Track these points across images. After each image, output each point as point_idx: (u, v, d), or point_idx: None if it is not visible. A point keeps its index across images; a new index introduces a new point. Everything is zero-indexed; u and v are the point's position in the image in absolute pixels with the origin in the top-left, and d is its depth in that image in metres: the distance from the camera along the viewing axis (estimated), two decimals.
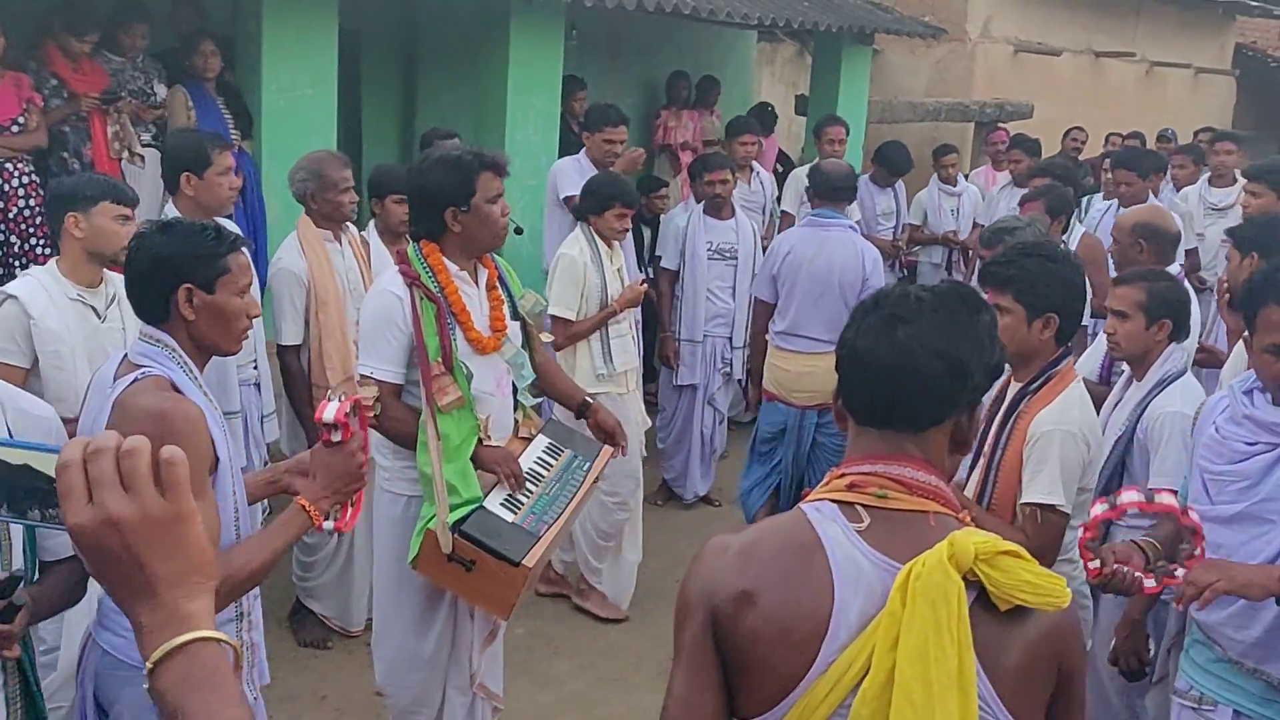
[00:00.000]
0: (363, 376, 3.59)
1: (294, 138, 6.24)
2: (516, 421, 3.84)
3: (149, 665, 1.12)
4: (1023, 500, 3.11)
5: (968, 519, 1.77)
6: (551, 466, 3.77)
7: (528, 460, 3.72)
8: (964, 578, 1.62)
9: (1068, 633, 1.73)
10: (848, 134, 8.17)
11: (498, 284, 3.77)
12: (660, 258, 6.77)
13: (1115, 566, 2.93)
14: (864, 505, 1.72)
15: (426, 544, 3.48)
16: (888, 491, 1.72)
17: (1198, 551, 2.90)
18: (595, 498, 5.32)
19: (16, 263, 5.44)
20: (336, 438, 2.74)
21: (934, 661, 1.59)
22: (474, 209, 3.54)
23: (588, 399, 4.12)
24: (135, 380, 2.61)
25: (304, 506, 2.71)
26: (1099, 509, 3.07)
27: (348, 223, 4.90)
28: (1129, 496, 2.97)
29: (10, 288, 3.76)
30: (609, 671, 5.03)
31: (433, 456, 3.48)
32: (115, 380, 2.65)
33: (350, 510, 2.84)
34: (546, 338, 4.18)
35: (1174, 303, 3.67)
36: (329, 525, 2.77)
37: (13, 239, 5.48)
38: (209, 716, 1.11)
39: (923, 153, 11.54)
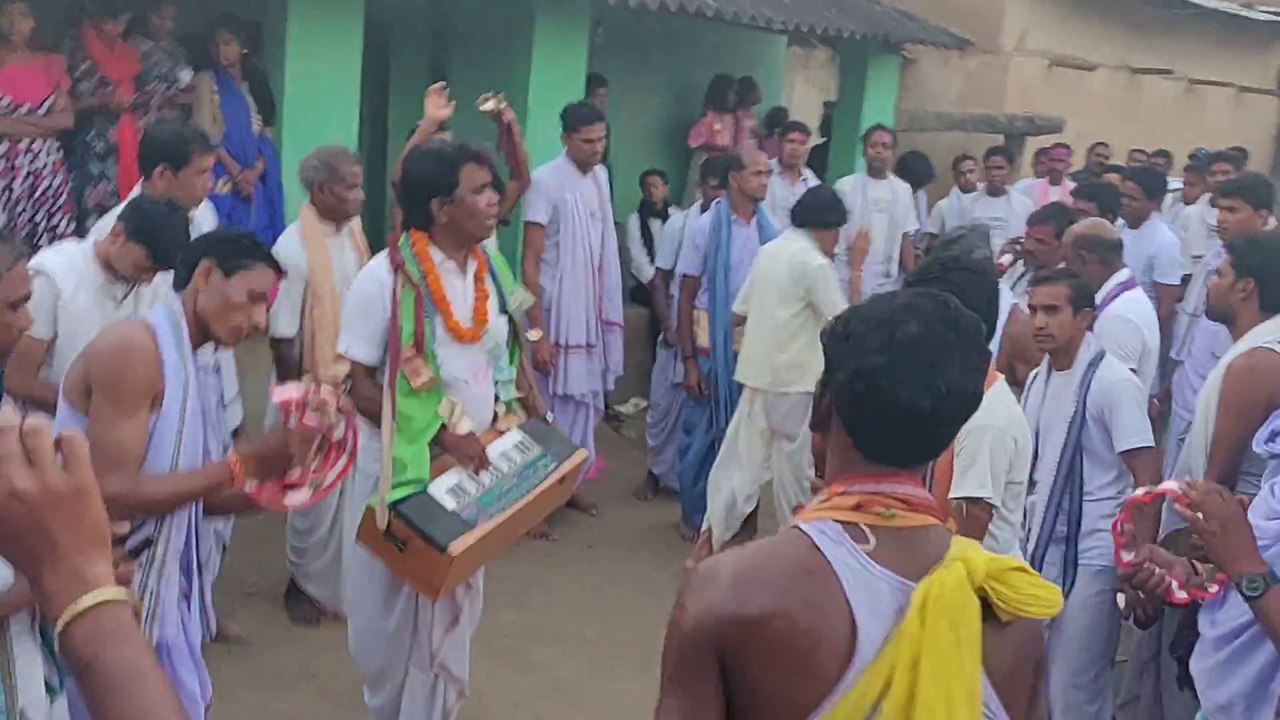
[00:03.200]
0: (339, 354, 3.75)
1: (315, 127, 6.35)
2: (496, 414, 3.92)
3: (60, 626, 1.21)
4: (952, 494, 3.17)
5: (954, 528, 1.81)
6: (514, 462, 3.81)
7: (492, 453, 3.77)
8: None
9: (1042, 630, 1.83)
10: (807, 138, 8.34)
11: (486, 277, 3.86)
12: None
13: (1146, 563, 2.96)
14: (869, 525, 1.71)
15: (367, 518, 3.61)
16: (895, 511, 1.72)
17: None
18: (787, 473, 5.74)
19: (42, 239, 5.62)
20: (292, 422, 3.05)
21: (955, 680, 1.63)
22: (458, 200, 3.64)
23: (547, 416, 4.16)
24: (122, 321, 3.06)
25: (230, 463, 3.01)
26: (1138, 491, 3.14)
27: (352, 217, 4.97)
28: (1166, 484, 3.01)
29: (44, 263, 3.85)
30: (594, 659, 5.12)
31: (384, 435, 3.60)
32: None
33: (269, 486, 3.09)
34: (534, 335, 4.28)
35: (1091, 295, 4.09)
36: (249, 486, 3.06)
37: (38, 215, 5.67)
38: (122, 665, 1.20)
39: (952, 163, 11.57)
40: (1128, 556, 3.00)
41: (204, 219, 4.66)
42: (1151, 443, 3.88)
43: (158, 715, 1.19)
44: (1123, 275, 4.82)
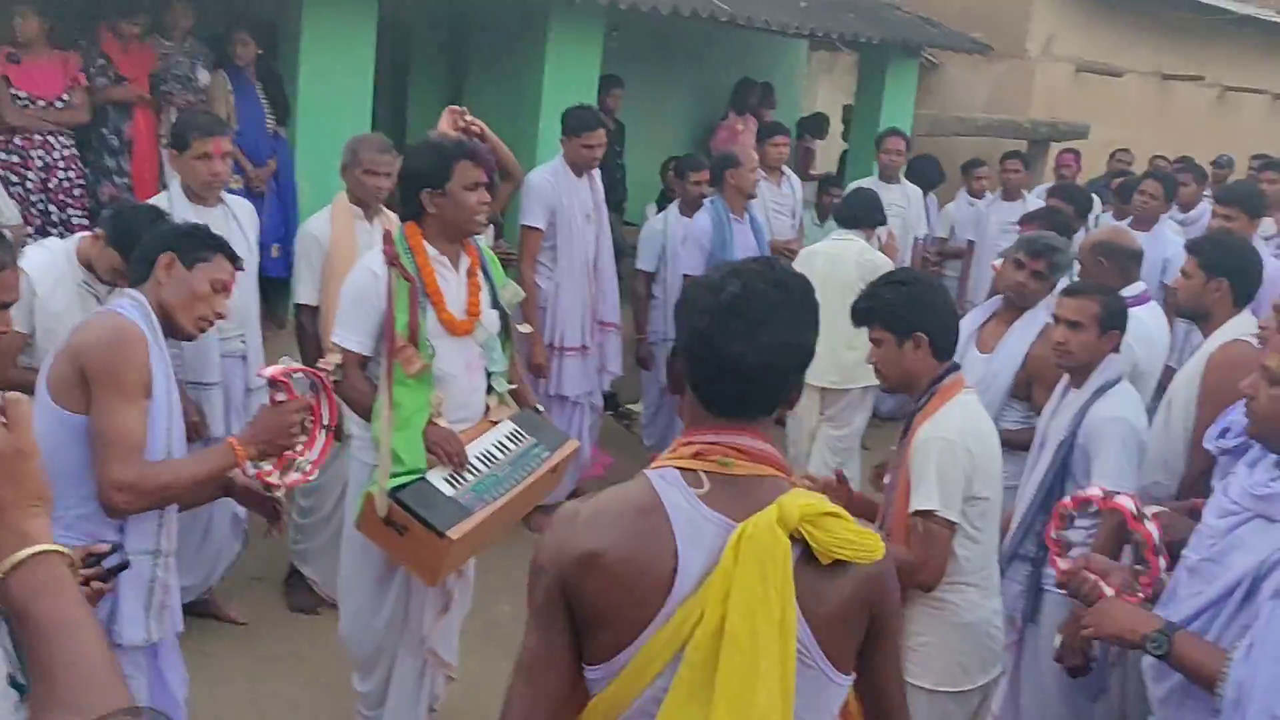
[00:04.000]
0: (333, 344, 3.83)
1: (329, 125, 6.48)
2: (489, 405, 4.00)
3: None
4: (909, 510, 3.13)
5: (797, 480, 1.93)
6: (509, 451, 3.90)
7: (486, 442, 3.86)
8: (791, 536, 1.79)
9: (880, 581, 1.91)
10: (791, 142, 8.35)
11: (478, 271, 3.95)
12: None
13: (1081, 570, 2.96)
14: (706, 471, 1.87)
15: (367, 506, 3.68)
16: (731, 460, 1.87)
17: (1152, 568, 2.93)
18: (828, 454, 6.09)
19: (55, 230, 5.76)
20: (281, 397, 3.09)
21: (760, 613, 1.76)
22: (449, 193, 3.72)
23: (537, 407, 4.24)
24: (99, 313, 3.01)
25: (232, 444, 3.02)
26: (1066, 499, 3.14)
27: (382, 206, 5.03)
28: (1091, 491, 3.04)
29: (23, 261, 3.96)
30: None
31: (383, 424, 3.68)
32: None
33: (276, 464, 3.13)
34: (525, 329, 4.35)
35: (1122, 315, 3.85)
36: (251, 470, 3.08)
37: (51, 208, 5.81)
38: (53, 615, 1.28)
39: None
40: (1064, 565, 3.01)
41: (241, 212, 4.80)
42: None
43: (86, 663, 1.26)
44: (1136, 288, 4.72)
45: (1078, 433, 3.77)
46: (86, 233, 4.16)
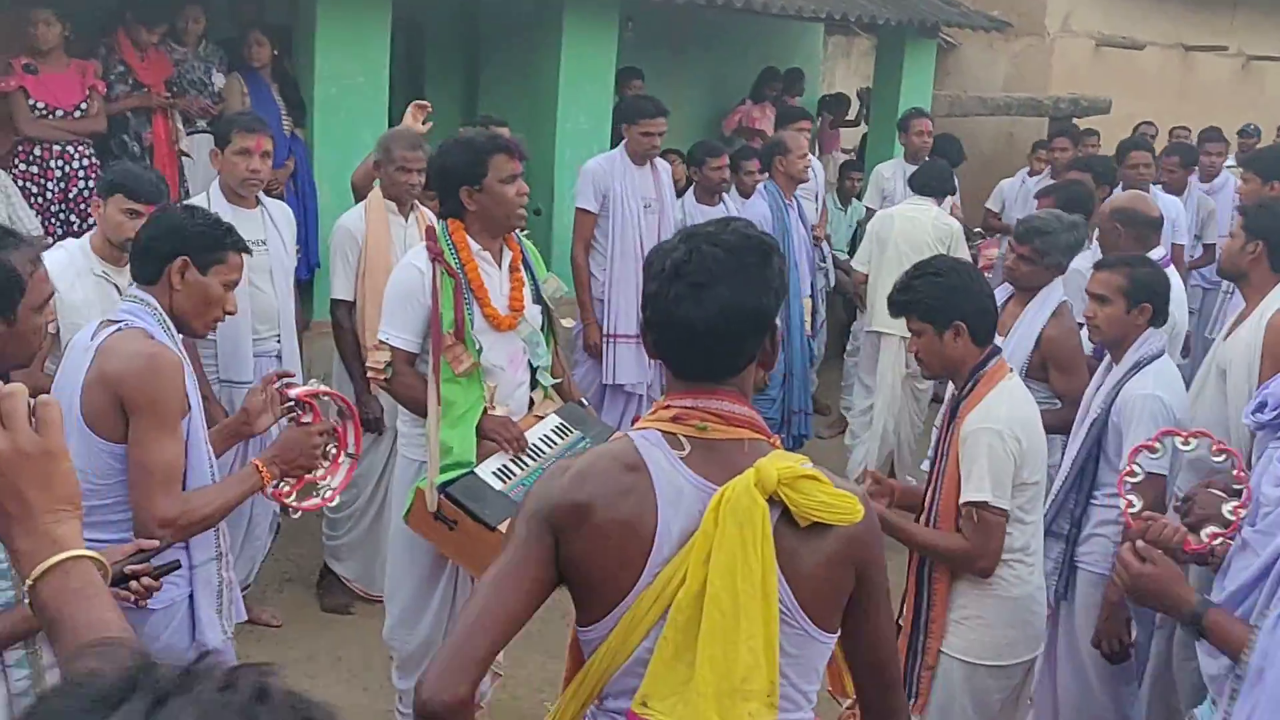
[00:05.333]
0: (380, 342, 3.81)
1: (345, 126, 6.46)
2: (533, 400, 3.99)
3: (29, 582, 1.27)
4: (960, 501, 3.15)
5: (778, 442, 1.97)
6: (556, 445, 3.88)
7: (533, 436, 3.84)
8: (770, 499, 1.81)
9: (861, 541, 1.91)
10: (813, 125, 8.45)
11: (520, 266, 3.95)
12: None
13: (1153, 515, 2.93)
14: (686, 435, 1.90)
15: (416, 501, 3.67)
16: (708, 425, 1.90)
17: (1245, 491, 2.86)
18: (914, 408, 6.45)
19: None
20: (307, 419, 3.09)
21: (740, 575, 1.79)
22: (486, 188, 3.72)
23: (582, 401, 4.24)
24: (119, 331, 2.88)
25: (258, 466, 3.00)
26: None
27: (416, 202, 5.01)
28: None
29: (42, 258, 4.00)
30: None
31: (430, 420, 3.67)
32: (95, 334, 2.92)
33: (295, 485, 3.14)
34: (568, 323, 4.33)
35: (1154, 287, 3.74)
36: (270, 490, 3.07)
37: (73, 218, 5.79)
38: (85, 620, 1.26)
39: (998, 147, 11.42)
40: (1136, 510, 2.97)
41: (279, 217, 4.80)
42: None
43: None
44: (1155, 254, 4.66)
45: (1110, 410, 3.70)
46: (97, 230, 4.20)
